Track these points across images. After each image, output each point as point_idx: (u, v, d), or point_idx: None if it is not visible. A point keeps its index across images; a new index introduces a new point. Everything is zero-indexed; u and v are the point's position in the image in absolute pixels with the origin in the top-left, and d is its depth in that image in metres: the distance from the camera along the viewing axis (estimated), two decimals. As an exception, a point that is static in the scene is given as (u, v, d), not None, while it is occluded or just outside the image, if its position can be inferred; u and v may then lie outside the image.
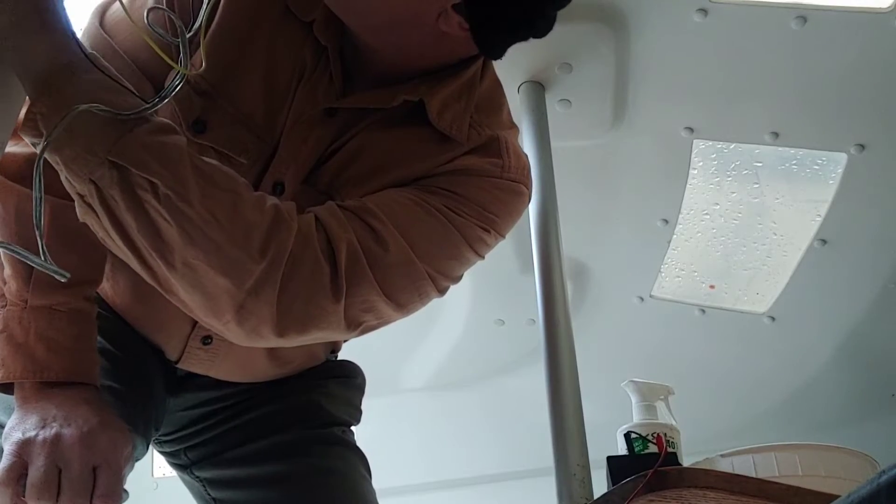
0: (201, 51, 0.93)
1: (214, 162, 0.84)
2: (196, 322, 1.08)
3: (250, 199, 0.83)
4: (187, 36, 0.79)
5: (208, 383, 1.18)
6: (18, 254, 0.69)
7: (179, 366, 1.15)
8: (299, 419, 1.20)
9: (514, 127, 1.08)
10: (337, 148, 1.00)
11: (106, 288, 1.12)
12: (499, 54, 0.98)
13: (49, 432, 0.87)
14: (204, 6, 0.82)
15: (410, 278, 0.92)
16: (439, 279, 0.95)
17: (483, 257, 1.00)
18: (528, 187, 1.02)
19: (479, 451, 2.53)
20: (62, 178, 0.78)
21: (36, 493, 0.84)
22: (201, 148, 0.97)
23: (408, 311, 0.95)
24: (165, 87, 0.79)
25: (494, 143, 1.00)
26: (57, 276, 0.72)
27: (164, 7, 0.92)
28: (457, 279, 1.00)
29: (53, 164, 0.77)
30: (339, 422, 1.24)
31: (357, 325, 0.91)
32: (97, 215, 0.79)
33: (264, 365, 1.17)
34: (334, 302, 0.86)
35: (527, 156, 1.04)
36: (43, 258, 0.71)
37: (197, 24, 0.81)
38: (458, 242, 0.95)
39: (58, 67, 0.74)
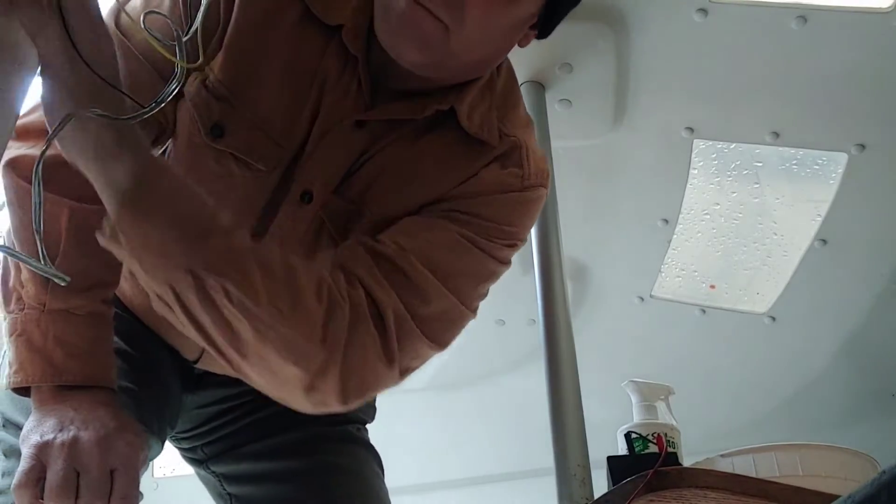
0: (199, 49, 0.93)
1: (270, 247, 0.88)
2: None
3: (308, 286, 0.87)
4: (189, 35, 0.79)
5: (226, 380, 1.19)
6: (17, 257, 0.69)
7: (198, 365, 1.17)
8: (315, 416, 1.21)
9: (530, 124, 1.10)
10: (366, 159, 1.00)
11: (125, 289, 1.12)
12: (548, 35, 1.02)
13: (67, 435, 0.88)
14: (203, 5, 0.82)
15: (453, 321, 0.96)
16: (475, 304, 0.99)
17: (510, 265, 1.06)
18: (546, 185, 1.05)
19: (479, 451, 2.53)
20: (141, 280, 0.82)
21: (55, 495, 0.84)
22: (219, 153, 0.99)
23: (450, 344, 1.00)
24: (162, 91, 0.79)
25: (516, 152, 1.02)
26: (56, 280, 0.72)
27: (181, 4, 0.93)
28: (486, 293, 1.04)
29: (133, 269, 0.81)
30: (353, 419, 1.25)
31: (407, 372, 0.96)
32: (173, 311, 0.83)
33: None
34: (389, 366, 0.91)
35: (542, 151, 1.07)
36: (43, 262, 0.71)
37: (197, 23, 0.81)
38: (492, 266, 0.99)
39: (136, 183, 0.77)
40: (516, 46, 1.02)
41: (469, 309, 0.97)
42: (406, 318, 0.91)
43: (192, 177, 0.99)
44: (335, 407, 0.91)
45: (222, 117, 0.97)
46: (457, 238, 0.96)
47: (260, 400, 1.21)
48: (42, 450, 0.87)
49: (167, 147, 1.03)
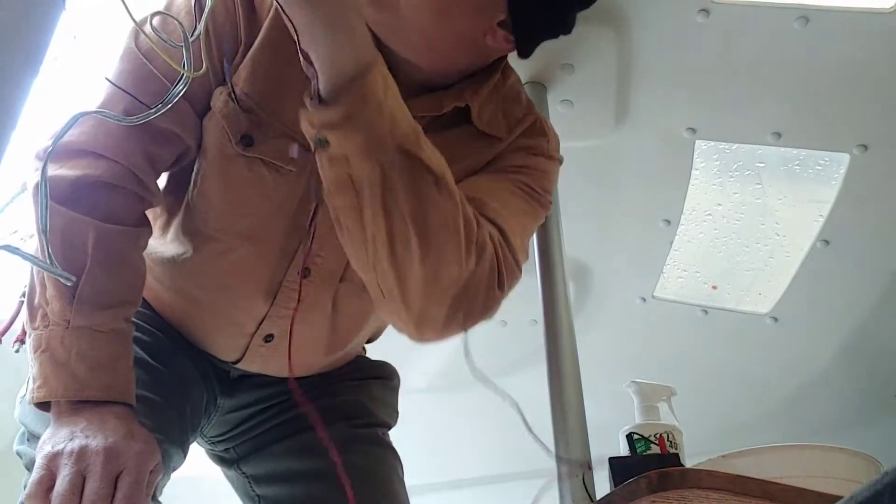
0: (202, 55, 0.96)
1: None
2: (261, 321, 1.14)
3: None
4: (193, 37, 0.81)
5: (260, 382, 1.25)
6: (22, 255, 0.70)
7: (240, 365, 1.20)
8: (344, 416, 1.25)
9: (532, 105, 1.18)
10: None
11: (164, 299, 1.16)
12: (530, 53, 1.06)
13: (75, 444, 0.89)
14: (206, 10, 0.84)
15: (522, 260, 1.02)
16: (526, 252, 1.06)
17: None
18: (560, 162, 1.16)
19: (481, 451, 2.53)
20: (335, 164, 0.82)
21: (60, 501, 0.86)
22: (251, 160, 1.04)
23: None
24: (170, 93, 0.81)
25: (538, 125, 1.13)
26: (62, 280, 0.74)
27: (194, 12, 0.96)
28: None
29: (339, 149, 0.80)
30: (380, 423, 1.30)
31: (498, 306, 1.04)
32: (361, 198, 0.83)
33: (318, 359, 1.23)
34: (501, 293, 1.00)
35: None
36: (49, 262, 0.72)
37: (199, 29, 0.83)
38: (539, 213, 1.08)
39: (363, 66, 0.79)
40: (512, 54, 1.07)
41: (526, 255, 1.03)
42: (506, 247, 0.98)
43: (227, 185, 1.05)
44: (445, 331, 1.02)
45: (251, 127, 1.02)
46: (513, 186, 1.04)
47: (292, 400, 1.26)
48: (52, 459, 0.89)
49: (199, 167, 1.07)
